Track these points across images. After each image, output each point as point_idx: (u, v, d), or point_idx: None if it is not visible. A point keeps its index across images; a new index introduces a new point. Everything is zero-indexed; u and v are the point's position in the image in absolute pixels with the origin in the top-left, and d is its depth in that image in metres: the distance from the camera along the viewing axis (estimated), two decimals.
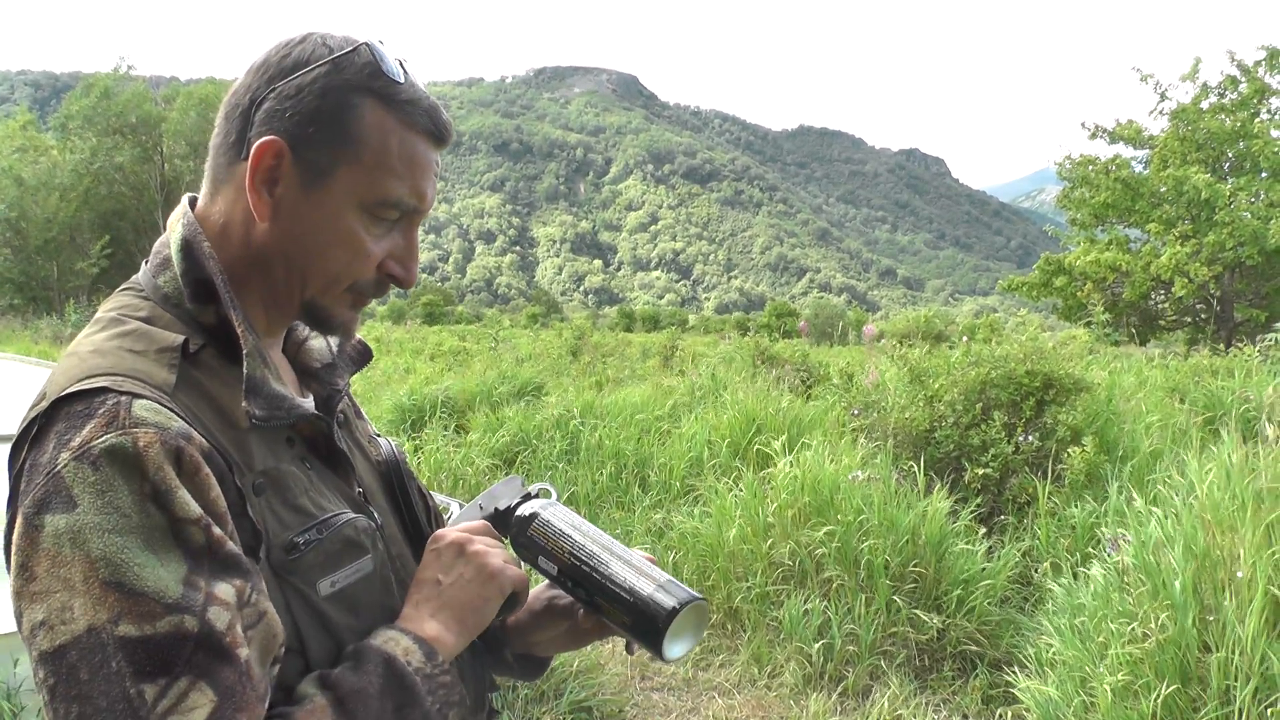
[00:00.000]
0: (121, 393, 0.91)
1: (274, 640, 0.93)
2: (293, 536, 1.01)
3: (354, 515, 1.11)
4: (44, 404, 0.93)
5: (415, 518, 1.31)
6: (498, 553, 1.16)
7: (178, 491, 0.88)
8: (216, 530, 0.90)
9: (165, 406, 0.93)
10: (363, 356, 1.33)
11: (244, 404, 1.01)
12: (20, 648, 2.82)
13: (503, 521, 1.29)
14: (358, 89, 1.05)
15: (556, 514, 1.26)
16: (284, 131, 1.04)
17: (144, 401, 0.91)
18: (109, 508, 0.85)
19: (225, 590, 0.87)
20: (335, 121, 1.05)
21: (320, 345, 1.30)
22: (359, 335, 1.31)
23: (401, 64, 1.09)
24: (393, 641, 1.03)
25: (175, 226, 1.11)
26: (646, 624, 1.15)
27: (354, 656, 1.00)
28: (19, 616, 0.87)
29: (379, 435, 1.39)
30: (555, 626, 1.35)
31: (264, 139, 1.04)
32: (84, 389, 0.92)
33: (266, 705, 0.89)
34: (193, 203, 1.13)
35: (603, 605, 1.19)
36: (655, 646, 1.15)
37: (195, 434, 0.93)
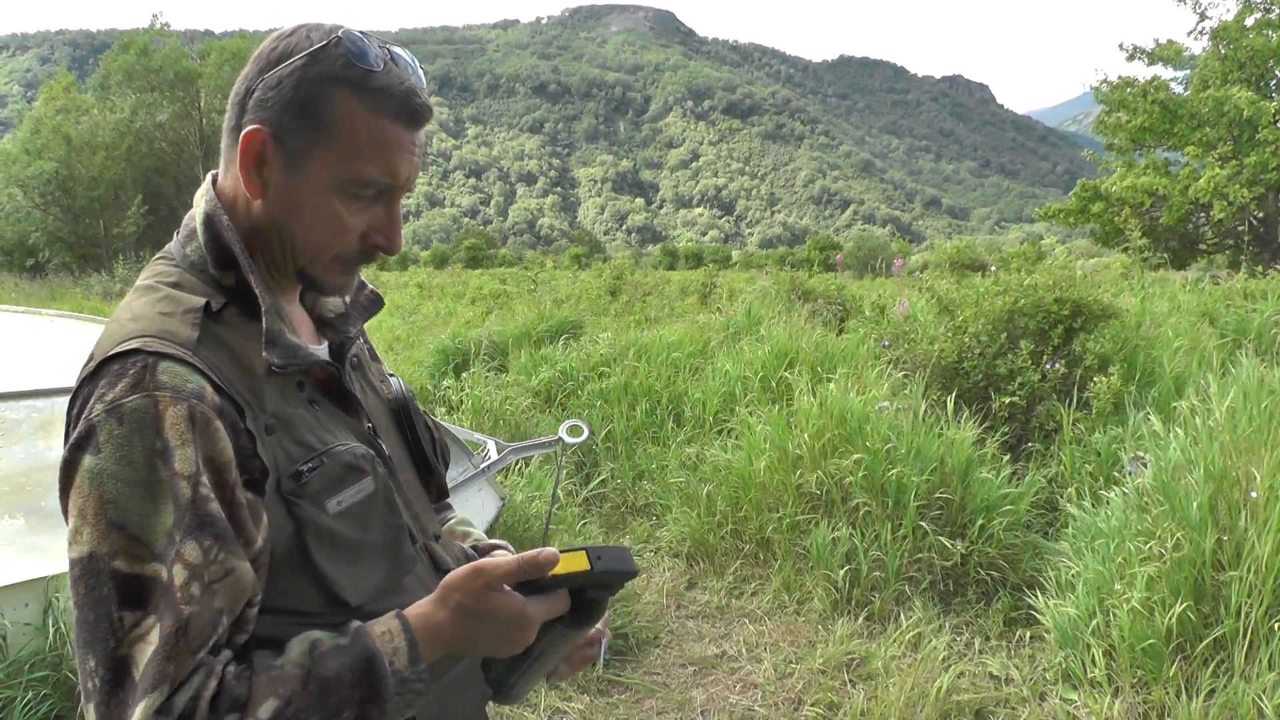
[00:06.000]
0: (150, 353, 1.09)
1: (242, 593, 1.08)
2: (298, 467, 1.18)
3: (354, 444, 1.27)
4: (91, 365, 1.12)
5: (421, 448, 1.49)
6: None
7: (182, 449, 1.05)
8: (203, 489, 1.06)
9: (186, 363, 1.10)
10: (374, 305, 1.48)
11: (265, 354, 1.18)
12: None
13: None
14: (330, 79, 1.18)
15: None
16: (267, 120, 1.19)
17: (167, 363, 1.09)
18: (125, 460, 1.04)
19: (191, 550, 1.04)
20: (310, 111, 1.18)
21: (335, 297, 1.44)
22: (370, 285, 1.48)
23: (388, 50, 1.22)
24: (387, 637, 1.13)
25: (199, 202, 1.28)
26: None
27: (350, 637, 1.12)
28: None
29: (391, 375, 1.57)
30: None
31: (250, 127, 1.19)
32: (121, 351, 1.10)
33: (210, 651, 1.04)
34: (215, 178, 1.30)
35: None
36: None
37: (208, 391, 1.10)
